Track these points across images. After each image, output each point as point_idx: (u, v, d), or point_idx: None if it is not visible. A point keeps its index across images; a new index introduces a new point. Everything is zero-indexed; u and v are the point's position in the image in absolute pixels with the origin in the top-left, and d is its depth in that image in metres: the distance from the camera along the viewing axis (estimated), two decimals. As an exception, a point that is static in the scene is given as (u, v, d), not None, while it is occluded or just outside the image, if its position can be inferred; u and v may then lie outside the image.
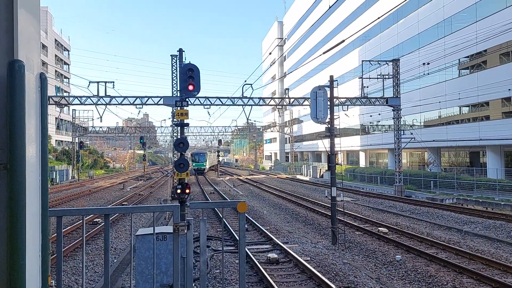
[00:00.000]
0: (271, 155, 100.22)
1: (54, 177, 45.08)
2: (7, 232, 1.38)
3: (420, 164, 45.98)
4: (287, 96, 34.70)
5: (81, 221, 17.33)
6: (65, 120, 71.58)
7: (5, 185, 1.40)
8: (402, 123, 33.38)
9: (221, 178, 52.58)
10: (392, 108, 32.43)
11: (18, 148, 1.42)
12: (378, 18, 14.83)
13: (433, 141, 37.08)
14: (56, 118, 65.85)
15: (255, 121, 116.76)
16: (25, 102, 1.46)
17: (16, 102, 1.42)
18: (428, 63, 33.80)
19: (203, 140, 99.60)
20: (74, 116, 54.08)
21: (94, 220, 17.93)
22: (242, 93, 31.86)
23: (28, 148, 1.49)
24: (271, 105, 37.19)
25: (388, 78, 32.52)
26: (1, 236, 1.40)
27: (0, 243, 1.39)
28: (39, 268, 1.60)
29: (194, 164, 61.88)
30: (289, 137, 72.00)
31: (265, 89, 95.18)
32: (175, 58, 30.04)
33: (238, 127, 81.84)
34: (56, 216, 2.94)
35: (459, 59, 35.39)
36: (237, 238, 13.90)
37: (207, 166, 67.07)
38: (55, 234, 11.19)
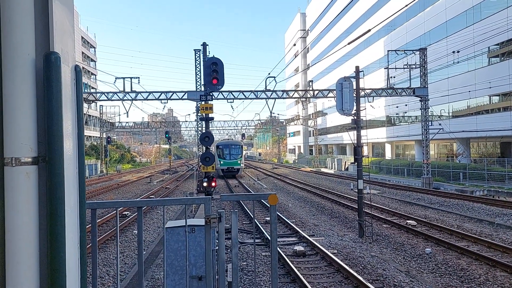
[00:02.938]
0: (294, 149, 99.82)
1: (83, 171, 46.20)
2: (48, 224, 1.39)
3: (449, 155, 44.88)
4: (311, 88, 34.29)
5: (110, 214, 17.74)
6: (93, 116, 73.19)
7: (45, 177, 1.41)
8: (429, 114, 32.57)
9: (244, 172, 52.77)
10: (420, 98, 31.70)
11: (56, 140, 1.42)
12: (406, 6, 14.44)
13: (462, 131, 36.10)
14: (84, 114, 67.25)
15: (278, 114, 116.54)
16: (62, 94, 1.46)
17: (53, 94, 1.43)
18: (458, 51, 32.80)
19: (227, 134, 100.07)
20: (101, 111, 55.18)
21: (124, 213, 18.32)
22: (265, 86, 31.71)
23: (66, 141, 1.49)
24: (294, 97, 36.90)
25: (415, 68, 31.75)
26: (41, 227, 1.41)
27: (41, 234, 1.40)
28: (77, 260, 1.62)
29: (222, 162, 41.61)
30: (313, 130, 71.51)
31: (288, 81, 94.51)
32: (199, 53, 30.15)
33: (261, 121, 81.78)
34: (91, 209, 2.98)
35: (488, 47, 34.21)
36: (262, 230, 13.95)
37: (243, 165, 45.38)
38: (87, 226, 11.39)
